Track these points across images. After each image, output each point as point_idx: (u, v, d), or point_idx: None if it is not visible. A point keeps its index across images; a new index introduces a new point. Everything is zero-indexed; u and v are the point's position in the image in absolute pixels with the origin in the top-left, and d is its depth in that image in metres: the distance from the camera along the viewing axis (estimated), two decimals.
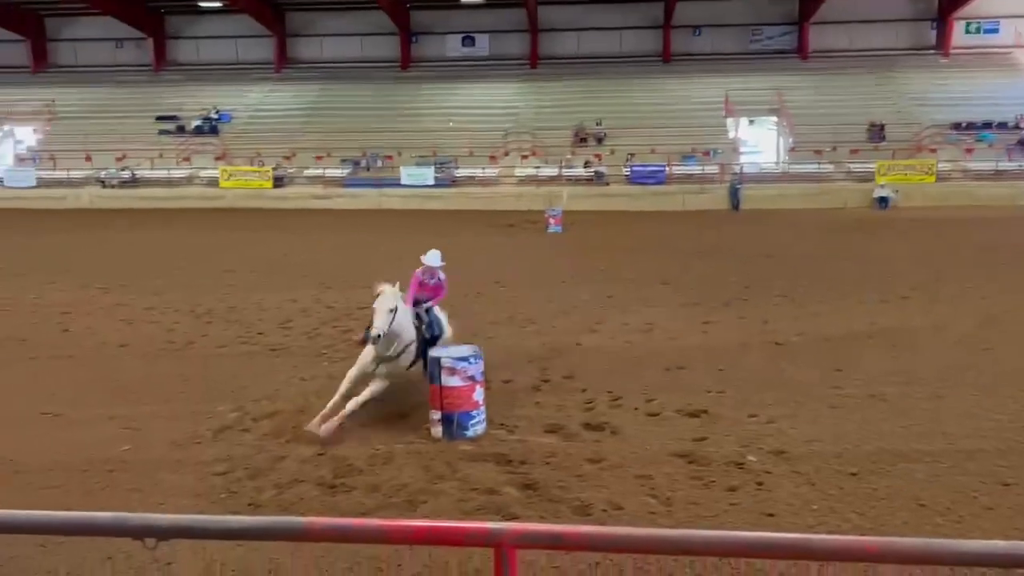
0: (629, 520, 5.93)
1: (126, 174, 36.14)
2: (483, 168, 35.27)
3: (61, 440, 7.73)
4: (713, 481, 6.59)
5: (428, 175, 34.65)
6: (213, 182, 35.85)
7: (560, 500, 6.27)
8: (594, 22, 41.39)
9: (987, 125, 34.79)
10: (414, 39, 42.83)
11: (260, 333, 12.15)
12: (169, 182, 36.09)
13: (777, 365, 10.04)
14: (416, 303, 8.51)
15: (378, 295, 7.83)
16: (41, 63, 43.96)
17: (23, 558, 5.37)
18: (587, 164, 35.08)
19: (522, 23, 41.60)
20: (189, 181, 36.35)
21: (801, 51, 40.87)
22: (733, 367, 9.91)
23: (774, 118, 36.64)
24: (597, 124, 36.66)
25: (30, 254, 21.02)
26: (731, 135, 36.73)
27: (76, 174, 36.28)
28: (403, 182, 34.50)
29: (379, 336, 7.60)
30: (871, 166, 33.25)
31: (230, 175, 35.67)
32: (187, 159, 36.99)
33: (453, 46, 42.82)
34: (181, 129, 38.47)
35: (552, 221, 25.33)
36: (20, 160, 38.41)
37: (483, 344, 8.73)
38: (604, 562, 5.23)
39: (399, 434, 7.69)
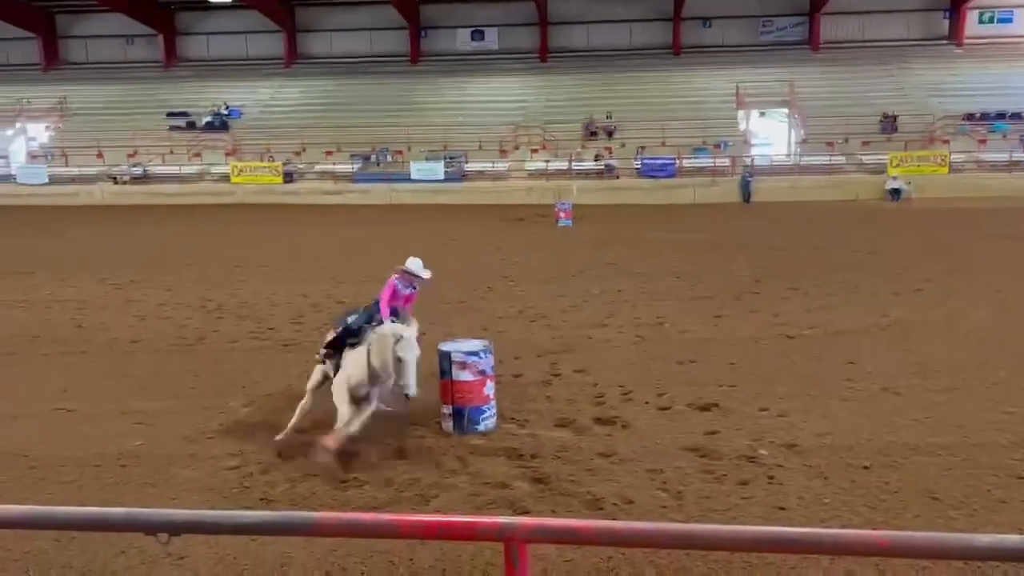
0: (640, 514, 5.93)
1: (137, 170, 36.30)
2: (493, 162, 35.25)
3: (74, 435, 7.79)
4: (724, 475, 6.58)
5: (438, 170, 34.65)
6: (224, 178, 35.97)
7: (571, 494, 6.28)
8: (604, 15, 41.23)
9: (1001, 115, 34.47)
10: (423, 33, 42.81)
11: (271, 328, 12.20)
12: (180, 178, 36.23)
13: (789, 359, 10.00)
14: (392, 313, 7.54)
15: (397, 340, 6.79)
16: (52, 60, 44.18)
17: (38, 552, 5.42)
18: (597, 157, 35.00)
19: (531, 16, 41.50)
20: (200, 177, 36.48)
21: (812, 42, 40.61)
22: (744, 361, 9.88)
23: (785, 110, 36.43)
24: (607, 117, 36.56)
25: (43, 251, 21.16)
26: (742, 127, 36.55)
27: (88, 171, 36.47)
28: (413, 177, 34.51)
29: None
30: (883, 158, 33.03)
31: (240, 171, 35.78)
32: (198, 155, 37.12)
33: (463, 40, 42.78)
34: (191, 125, 38.60)
35: (562, 215, 25.29)
36: (32, 157, 38.62)
37: (493, 338, 8.73)
38: (616, 556, 5.24)
39: (410, 429, 7.71)
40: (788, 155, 35.11)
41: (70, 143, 38.05)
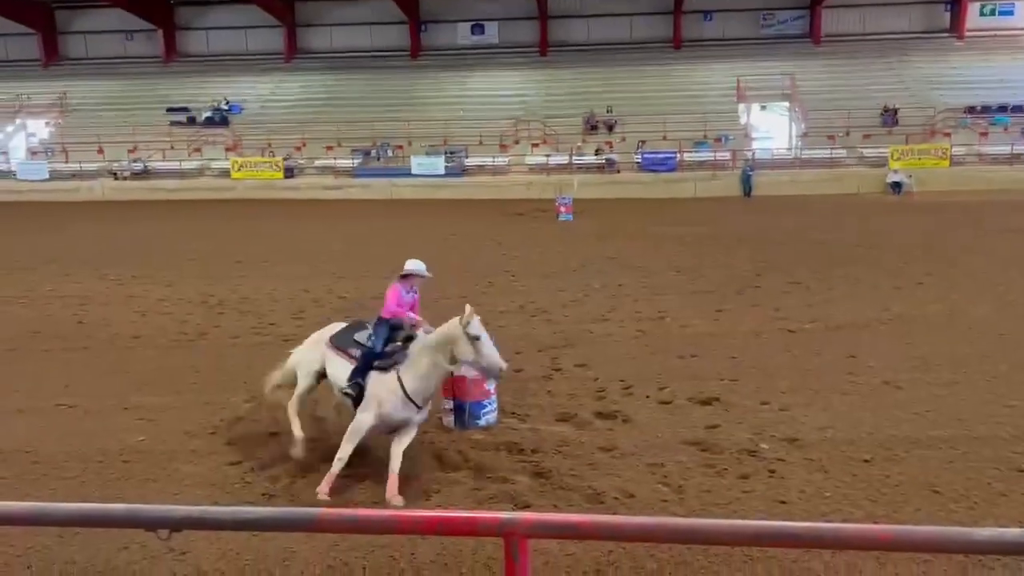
0: (641, 508, 5.94)
1: (138, 166, 36.31)
2: (493, 157, 35.23)
3: (76, 431, 7.80)
4: (725, 469, 6.59)
5: (438, 164, 34.63)
6: (224, 173, 35.98)
7: (572, 488, 6.29)
8: (604, 8, 41.15)
9: (1002, 108, 34.42)
10: (423, 27, 42.75)
11: (272, 324, 12.20)
12: (180, 173, 36.23)
13: (790, 353, 10.00)
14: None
15: (467, 324, 6.22)
16: (52, 56, 44.15)
17: (41, 548, 5.43)
18: (598, 151, 34.96)
19: (532, 10, 41.42)
20: (200, 172, 36.49)
21: (813, 35, 40.53)
22: (745, 355, 9.88)
23: (786, 103, 36.38)
24: (608, 111, 36.52)
25: (44, 247, 21.16)
26: (743, 121, 36.51)
27: (88, 166, 36.47)
28: (413, 172, 34.49)
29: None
30: (884, 151, 33.00)
31: (241, 166, 35.78)
32: (198, 150, 37.12)
33: (463, 34, 42.72)
34: (192, 120, 38.59)
35: (563, 209, 25.28)
36: (33, 153, 38.63)
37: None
38: (617, 550, 5.25)
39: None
40: (789, 149, 35.08)
41: (70, 139, 38.05)
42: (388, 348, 6.56)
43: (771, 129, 36.32)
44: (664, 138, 34.56)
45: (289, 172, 35.56)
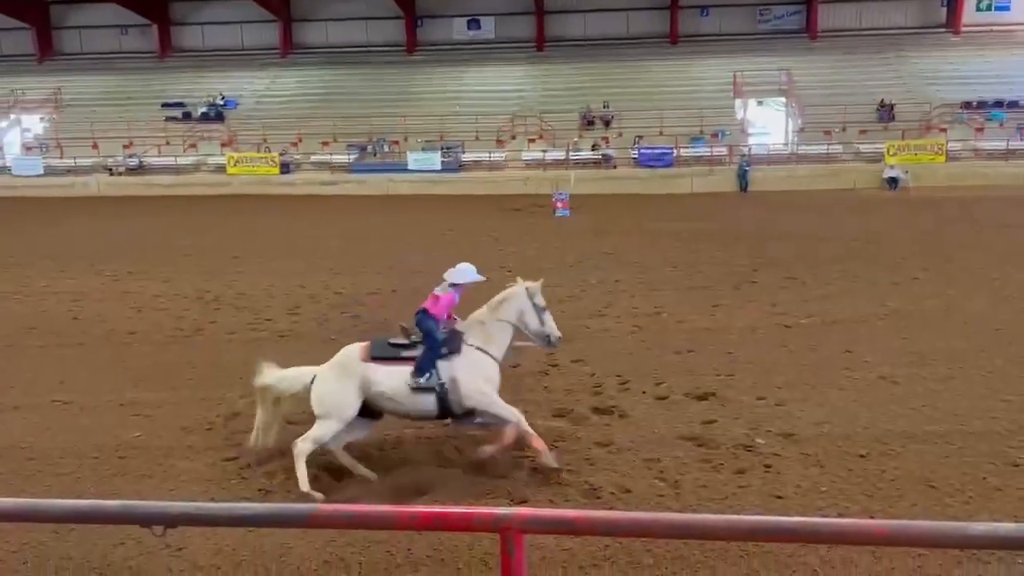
0: (638, 503, 5.95)
1: (133, 161, 36.20)
2: (490, 152, 35.18)
3: (72, 427, 7.80)
4: (722, 464, 6.60)
5: (435, 160, 34.58)
6: (220, 169, 35.88)
7: (569, 484, 6.29)
8: (601, 3, 41.08)
9: (998, 104, 34.42)
10: (419, 23, 42.65)
11: (269, 319, 12.19)
12: (176, 169, 36.13)
13: (786, 348, 10.01)
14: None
15: (532, 295, 6.66)
16: (47, 51, 43.98)
17: (36, 544, 5.42)
18: (594, 147, 34.94)
19: (528, 5, 41.35)
20: (196, 168, 36.38)
21: (810, 30, 40.50)
22: (742, 350, 9.90)
23: (782, 99, 36.37)
24: (604, 107, 36.48)
25: (39, 242, 21.12)
26: (739, 116, 36.47)
27: (83, 162, 36.36)
28: (410, 167, 34.44)
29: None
30: (880, 146, 32.99)
31: (236, 161, 35.68)
32: (193, 146, 37.03)
33: (459, 29, 42.62)
34: (187, 116, 38.47)
35: (559, 205, 25.27)
36: (27, 148, 38.51)
37: None
38: (613, 545, 5.25)
39: (408, 420, 7.70)
40: (785, 144, 35.09)
41: (65, 134, 37.92)
42: (453, 332, 6.62)
43: (767, 124, 36.33)
44: (660, 133, 34.54)
45: (285, 168, 35.47)
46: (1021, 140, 32.80)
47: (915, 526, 2.65)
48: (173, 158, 36.41)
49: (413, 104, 37.24)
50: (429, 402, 6.40)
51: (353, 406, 6.40)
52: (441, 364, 6.40)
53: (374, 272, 15.76)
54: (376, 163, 35.24)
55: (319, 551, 5.31)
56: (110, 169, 36.15)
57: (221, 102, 39.06)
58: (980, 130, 33.43)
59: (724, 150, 34.04)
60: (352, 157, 35.50)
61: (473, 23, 42.51)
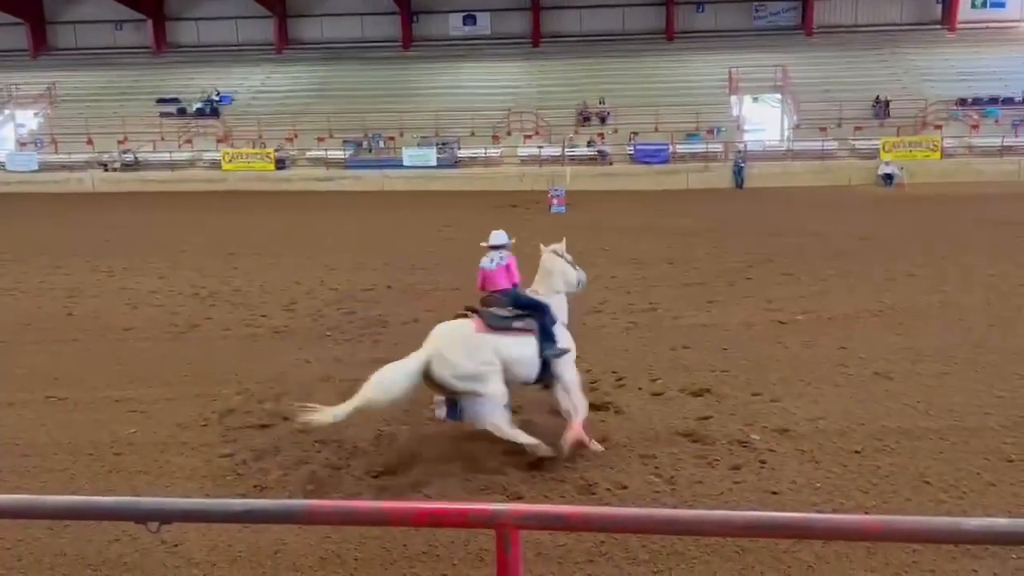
0: (633, 499, 5.96)
1: (128, 157, 36.11)
2: (485, 148, 35.16)
3: (67, 423, 7.78)
4: (717, 460, 6.61)
5: (430, 156, 34.54)
6: (215, 165, 35.81)
7: (565, 480, 6.30)
8: None
9: (993, 100, 34.51)
10: (415, 18, 42.59)
11: (264, 315, 12.17)
12: (171, 165, 36.05)
13: (782, 344, 10.02)
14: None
15: (561, 255, 7.22)
16: (41, 46, 43.83)
17: (31, 541, 5.42)
18: (590, 143, 34.93)
19: (524, 1, 41.35)
20: (191, 164, 36.31)
21: (805, 27, 40.55)
22: (737, 346, 9.91)
23: (778, 95, 36.40)
24: (600, 103, 36.47)
25: (34, 238, 21.05)
26: (735, 113, 36.52)
27: (78, 158, 36.26)
28: (405, 163, 34.41)
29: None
30: (876, 143, 33.07)
31: (232, 157, 35.61)
32: (188, 142, 36.94)
33: (455, 25, 42.59)
34: (182, 111, 38.38)
35: (555, 201, 25.26)
36: (22, 144, 38.37)
37: None
38: (609, 540, 5.26)
39: (403, 416, 7.71)
40: (781, 140, 35.13)
41: (60, 130, 37.81)
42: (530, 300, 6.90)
43: (763, 121, 36.37)
44: (656, 130, 34.56)
45: (280, 163, 35.42)
46: (1016, 137, 32.89)
47: (909, 522, 2.65)
48: (168, 154, 36.33)
49: (409, 100, 37.20)
50: (536, 369, 6.64)
51: (500, 371, 6.47)
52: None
53: (370, 268, 15.75)
54: (372, 159, 35.20)
55: (315, 547, 5.31)
56: (105, 165, 36.04)
57: (216, 98, 38.97)
58: (975, 127, 33.50)
59: (720, 146, 34.07)
60: (348, 153, 35.45)
61: (469, 19, 42.46)
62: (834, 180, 31.52)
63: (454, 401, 7.49)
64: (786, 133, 35.36)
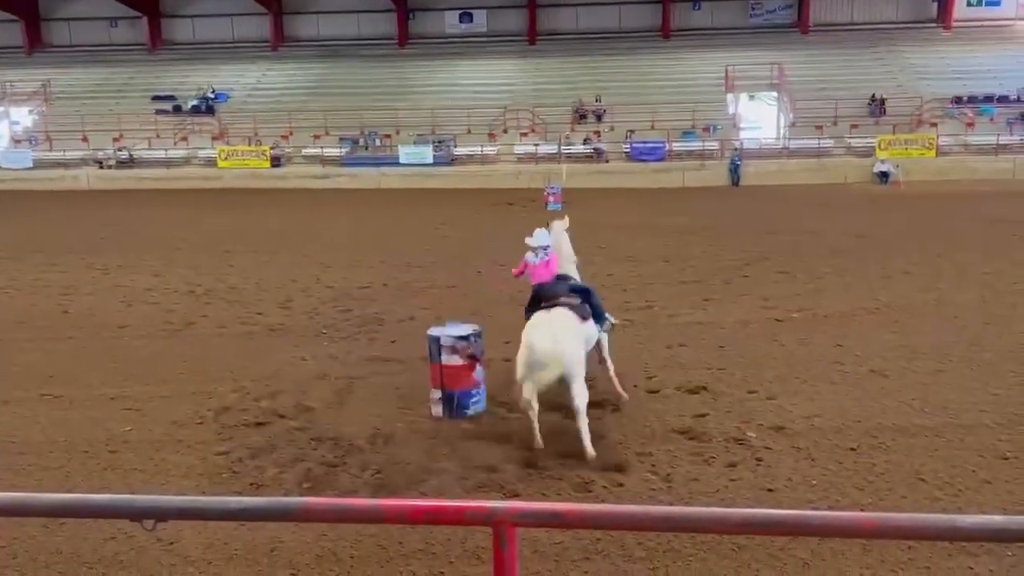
0: (630, 497, 5.97)
1: (123, 155, 35.99)
2: (482, 146, 35.11)
3: (62, 421, 7.76)
4: (713, 457, 6.62)
5: (426, 153, 34.49)
6: (211, 162, 35.71)
7: (561, 477, 6.30)
8: None
9: (988, 99, 34.53)
10: (411, 16, 42.49)
11: (260, 313, 12.15)
12: (166, 162, 35.94)
13: (778, 342, 10.04)
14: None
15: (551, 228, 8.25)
16: (36, 43, 43.64)
17: (26, 539, 5.41)
18: (586, 141, 34.91)
19: None
20: (187, 161, 36.19)
21: (801, 25, 40.53)
22: (733, 344, 9.92)
23: (774, 93, 36.40)
24: (596, 100, 36.44)
25: (28, 236, 20.98)
26: (731, 111, 36.49)
27: (73, 155, 36.13)
28: (401, 161, 34.34)
29: None
30: (872, 141, 33.09)
31: (227, 155, 35.52)
32: (184, 139, 36.81)
33: (451, 22, 42.49)
34: (178, 109, 38.25)
35: (552, 199, 25.25)
36: (16, 141, 38.22)
37: (483, 322, 8.73)
38: (605, 538, 5.27)
39: (399, 413, 7.72)
40: (777, 138, 35.12)
41: (54, 127, 37.66)
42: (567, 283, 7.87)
43: (759, 119, 36.33)
44: (652, 127, 34.53)
45: (276, 161, 35.33)
46: (1011, 135, 32.93)
47: (904, 519, 2.66)
48: (163, 151, 36.20)
49: (405, 97, 37.11)
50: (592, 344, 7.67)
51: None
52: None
53: (366, 266, 15.73)
54: (368, 157, 35.13)
55: (311, 545, 5.31)
56: (100, 162, 35.92)
57: (212, 95, 38.84)
58: (970, 125, 33.53)
59: (716, 144, 34.06)
60: (344, 151, 35.38)
61: (465, 16, 42.39)
62: (830, 178, 31.52)
63: (450, 397, 7.51)
64: (782, 131, 35.34)
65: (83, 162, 36.08)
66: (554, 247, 8.05)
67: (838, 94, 34.65)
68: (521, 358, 6.84)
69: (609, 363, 8.01)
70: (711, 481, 6.22)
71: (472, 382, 7.57)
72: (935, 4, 40.25)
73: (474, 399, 7.60)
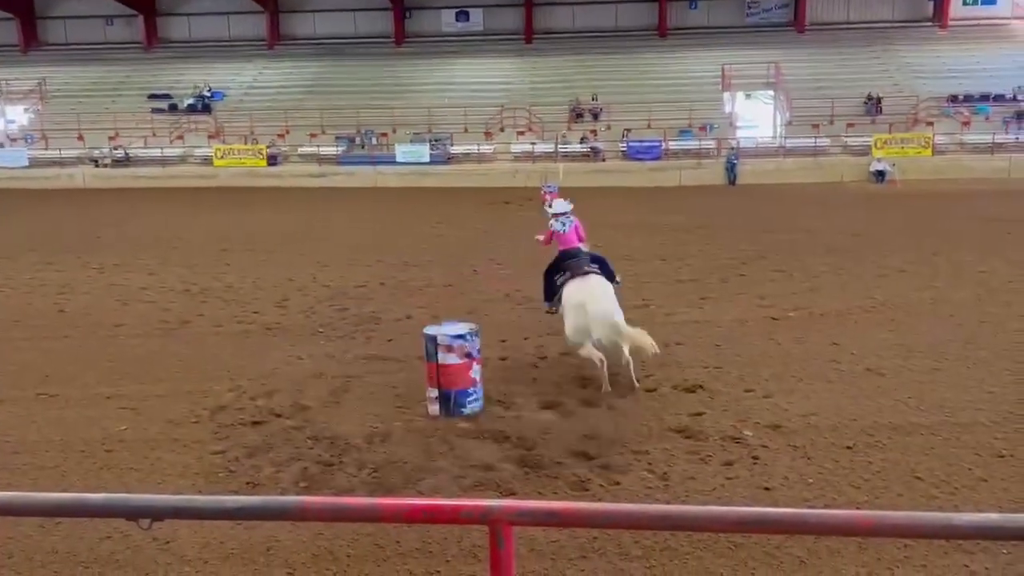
0: (626, 495, 5.97)
1: (119, 153, 35.91)
2: (478, 145, 35.09)
3: (58, 420, 7.75)
4: (710, 456, 6.63)
5: (423, 152, 34.45)
6: (207, 161, 35.64)
7: (558, 476, 6.30)
8: None
9: (984, 97, 34.59)
10: (408, 14, 42.44)
11: (256, 312, 12.14)
12: (162, 161, 35.87)
13: (774, 340, 10.05)
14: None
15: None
16: (31, 41, 43.53)
17: (22, 537, 5.40)
18: (583, 140, 34.91)
19: None
20: (183, 160, 36.12)
21: (798, 24, 40.55)
22: (730, 343, 9.93)
23: (770, 92, 36.42)
24: (593, 99, 36.44)
25: (24, 234, 20.93)
26: (727, 109, 36.51)
27: (68, 153, 36.03)
28: (398, 159, 34.30)
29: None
30: (868, 139, 33.13)
31: (224, 154, 35.45)
32: (180, 137, 36.74)
33: (447, 21, 42.44)
34: (173, 107, 38.17)
35: (548, 197, 25.20)
36: (11, 140, 38.12)
37: (480, 321, 8.73)
38: (602, 536, 5.27)
39: (396, 412, 7.71)
40: (773, 137, 35.15)
41: (50, 125, 37.56)
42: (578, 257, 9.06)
43: (755, 117, 36.36)
44: (649, 126, 34.53)
45: (272, 160, 35.26)
46: (1007, 134, 32.99)
47: (900, 517, 2.66)
48: (159, 150, 36.11)
49: (401, 96, 37.07)
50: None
51: None
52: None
53: (363, 265, 15.72)
54: (364, 155, 35.08)
55: (307, 544, 5.31)
56: (96, 161, 35.83)
57: (208, 93, 38.77)
58: (966, 124, 33.58)
59: (712, 143, 34.08)
60: (340, 149, 35.33)
61: (462, 15, 42.35)
62: (826, 177, 31.55)
63: (447, 396, 7.52)
64: (778, 130, 35.36)
65: (79, 161, 35.97)
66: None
67: (834, 93, 34.68)
68: (576, 324, 8.08)
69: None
70: (708, 479, 6.23)
71: (469, 381, 7.57)
72: (931, 3, 40.30)
73: (471, 398, 7.60)
